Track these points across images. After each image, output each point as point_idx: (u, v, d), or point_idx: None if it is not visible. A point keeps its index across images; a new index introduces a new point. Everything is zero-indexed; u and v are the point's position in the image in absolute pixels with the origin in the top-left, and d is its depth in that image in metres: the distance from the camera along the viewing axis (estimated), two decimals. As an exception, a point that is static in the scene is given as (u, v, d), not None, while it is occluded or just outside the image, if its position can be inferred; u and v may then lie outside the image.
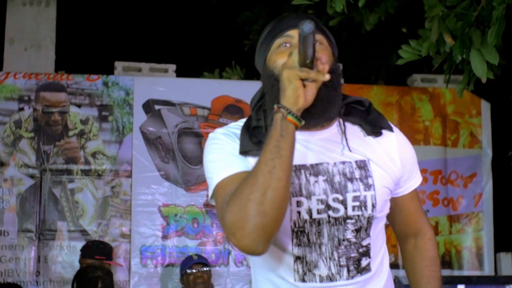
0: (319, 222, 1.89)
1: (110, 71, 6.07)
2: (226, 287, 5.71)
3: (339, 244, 1.90)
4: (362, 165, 1.93)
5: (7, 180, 5.63)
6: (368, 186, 1.91)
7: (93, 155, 5.78)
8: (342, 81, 1.97)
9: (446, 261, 6.12)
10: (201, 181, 5.82)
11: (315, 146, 1.93)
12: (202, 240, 5.76)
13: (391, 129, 2.03)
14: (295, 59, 1.75)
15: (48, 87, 5.80)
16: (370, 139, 1.99)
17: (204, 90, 6.00)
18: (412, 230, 2.19)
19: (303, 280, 1.91)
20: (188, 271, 5.10)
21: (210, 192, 1.89)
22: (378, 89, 6.32)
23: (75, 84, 5.84)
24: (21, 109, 5.74)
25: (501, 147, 6.66)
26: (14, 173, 5.64)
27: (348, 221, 1.90)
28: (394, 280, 5.03)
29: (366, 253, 1.94)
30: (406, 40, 4.47)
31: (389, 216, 2.08)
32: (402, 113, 6.27)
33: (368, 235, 1.93)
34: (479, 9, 4.21)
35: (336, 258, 1.90)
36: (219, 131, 1.98)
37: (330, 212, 1.89)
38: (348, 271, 1.91)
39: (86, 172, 5.74)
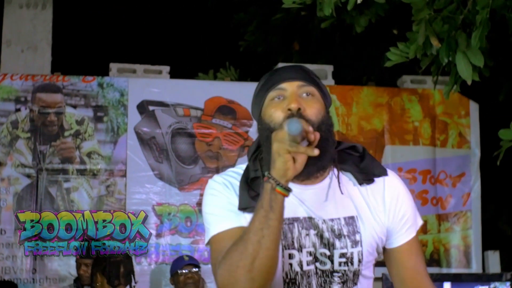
0: (308, 274, 1.95)
1: (105, 72, 6.11)
2: (218, 285, 5.77)
3: None
4: (351, 222, 1.96)
5: (4, 180, 5.69)
6: (355, 243, 1.95)
7: (89, 155, 5.83)
8: (333, 128, 1.99)
9: (434, 259, 6.18)
10: (194, 181, 5.88)
11: (308, 200, 1.97)
12: (195, 238, 5.82)
13: (385, 174, 2.02)
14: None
15: (44, 88, 5.85)
16: (361, 188, 2.00)
17: (197, 91, 6.06)
18: None
19: None
20: (179, 271, 5.10)
21: (206, 240, 1.98)
22: (369, 90, 6.33)
23: (71, 86, 5.89)
24: (18, 110, 5.79)
25: (489, 147, 6.70)
26: (11, 173, 5.70)
27: (335, 274, 1.95)
28: (382, 277, 5.10)
29: None
30: (397, 42, 4.53)
31: (389, 271, 2.09)
32: (392, 114, 6.31)
33: (355, 284, 1.98)
34: (466, 12, 4.26)
35: None
36: (218, 180, 2.01)
37: (318, 264, 1.95)
38: None
39: (81, 172, 5.80)
